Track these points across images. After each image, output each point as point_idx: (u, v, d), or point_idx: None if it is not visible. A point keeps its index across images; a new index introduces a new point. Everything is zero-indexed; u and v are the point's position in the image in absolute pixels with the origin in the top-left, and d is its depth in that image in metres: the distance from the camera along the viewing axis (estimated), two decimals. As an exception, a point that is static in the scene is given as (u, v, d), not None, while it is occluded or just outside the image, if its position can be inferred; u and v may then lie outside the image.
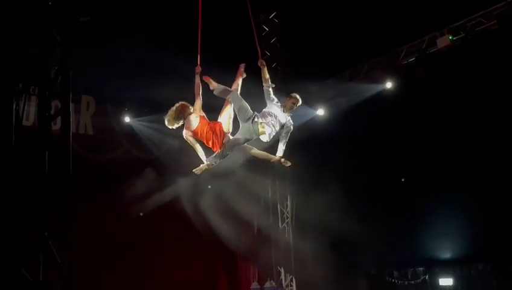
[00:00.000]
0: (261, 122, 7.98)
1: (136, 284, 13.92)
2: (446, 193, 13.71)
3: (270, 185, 16.38)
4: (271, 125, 8.11)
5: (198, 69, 8.21)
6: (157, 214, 14.26)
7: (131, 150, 14.58)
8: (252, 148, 8.29)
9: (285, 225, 16.32)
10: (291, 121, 8.34)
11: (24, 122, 7.53)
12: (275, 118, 8.15)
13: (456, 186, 13.47)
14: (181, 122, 8.11)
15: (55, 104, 7.68)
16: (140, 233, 14.23)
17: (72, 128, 7.92)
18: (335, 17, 14.02)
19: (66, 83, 7.36)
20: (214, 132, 7.96)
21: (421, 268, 14.97)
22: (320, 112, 15.66)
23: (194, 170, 8.16)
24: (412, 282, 14.99)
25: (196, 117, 8.08)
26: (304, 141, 14.68)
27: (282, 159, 8.29)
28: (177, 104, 8.12)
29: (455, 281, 14.36)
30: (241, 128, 8.00)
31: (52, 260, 6.96)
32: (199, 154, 8.11)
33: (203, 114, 8.20)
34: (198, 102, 8.18)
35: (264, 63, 8.47)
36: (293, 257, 16.01)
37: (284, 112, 8.27)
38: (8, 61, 6.71)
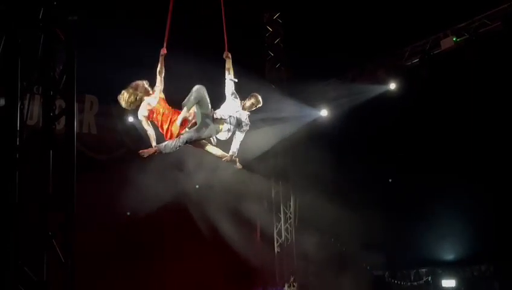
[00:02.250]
0: (221, 118, 7.91)
1: (138, 285, 13.92)
2: (449, 194, 13.72)
3: (273, 185, 16.38)
4: (229, 123, 8.00)
5: (164, 51, 8.07)
6: (159, 214, 14.26)
7: (135, 150, 14.55)
8: (206, 144, 8.13)
9: (288, 225, 16.33)
10: (248, 120, 8.19)
11: (28, 122, 7.55)
12: (234, 115, 8.06)
13: (458, 187, 13.48)
14: (138, 103, 7.92)
15: (59, 103, 7.68)
16: (143, 234, 14.23)
17: (76, 128, 7.91)
18: (339, 18, 14.03)
19: (70, 82, 7.36)
20: (171, 119, 7.84)
21: (424, 269, 14.97)
22: (324, 112, 15.65)
23: (140, 152, 8.10)
24: (415, 283, 14.99)
25: (155, 98, 7.93)
26: (307, 141, 14.73)
27: (236, 159, 8.19)
28: (135, 83, 7.97)
29: (458, 282, 14.36)
30: (200, 123, 7.85)
31: (56, 260, 6.97)
32: (150, 137, 8.00)
33: (163, 96, 8.06)
34: (160, 85, 8.02)
35: (229, 56, 8.33)
36: (295, 257, 16.01)
37: (242, 109, 8.16)
38: (12, 61, 6.72)
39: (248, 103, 8.20)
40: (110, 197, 13.75)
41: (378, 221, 14.06)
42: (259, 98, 8.27)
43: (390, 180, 14.95)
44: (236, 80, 8.29)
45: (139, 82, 7.96)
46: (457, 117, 13.50)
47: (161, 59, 8.09)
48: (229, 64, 8.30)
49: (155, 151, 8.00)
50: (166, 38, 8.13)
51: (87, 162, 12.50)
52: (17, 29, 6.85)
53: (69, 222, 7.25)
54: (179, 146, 7.93)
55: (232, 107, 8.11)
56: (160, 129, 7.98)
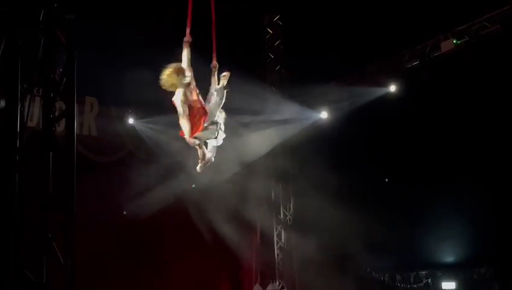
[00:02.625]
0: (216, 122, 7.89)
1: (138, 286, 13.92)
2: (449, 196, 13.69)
3: (273, 187, 16.39)
4: (218, 128, 7.97)
5: (188, 37, 7.64)
6: (160, 216, 14.26)
7: (135, 152, 14.59)
8: (202, 145, 8.02)
9: (288, 228, 16.33)
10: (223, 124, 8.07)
11: (28, 123, 7.55)
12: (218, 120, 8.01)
13: (458, 189, 13.45)
14: (173, 88, 7.49)
15: (59, 105, 7.67)
16: (143, 235, 14.25)
17: (76, 130, 7.91)
18: (339, 20, 14.03)
19: (70, 84, 7.36)
20: (200, 116, 7.59)
21: (424, 272, 14.92)
22: (324, 114, 15.67)
23: (197, 168, 8.07)
24: (415, 286, 14.95)
25: (194, 90, 7.58)
26: (307, 143, 14.72)
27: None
28: (180, 65, 7.54)
29: (458, 285, 14.32)
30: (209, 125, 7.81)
31: (55, 262, 6.97)
32: (186, 128, 7.50)
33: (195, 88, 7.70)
34: (188, 69, 7.58)
35: (217, 66, 8.11)
36: (295, 259, 16.01)
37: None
38: (12, 62, 6.72)
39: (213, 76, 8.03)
40: (110, 198, 13.78)
41: (378, 223, 14.05)
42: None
43: (386, 179, 14.94)
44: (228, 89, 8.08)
45: (183, 67, 7.53)
46: (457, 119, 13.48)
47: (186, 46, 7.67)
48: (215, 74, 8.08)
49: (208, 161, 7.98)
50: (189, 23, 7.68)
51: (87, 164, 12.51)
52: (17, 31, 6.85)
53: (69, 223, 7.25)
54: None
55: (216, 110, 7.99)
56: (186, 119, 7.54)
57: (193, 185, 14.38)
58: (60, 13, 7.25)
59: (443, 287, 14.50)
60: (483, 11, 12.61)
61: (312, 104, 15.38)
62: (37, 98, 7.96)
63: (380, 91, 14.61)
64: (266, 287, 15.81)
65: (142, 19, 12.86)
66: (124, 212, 14.11)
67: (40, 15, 7.15)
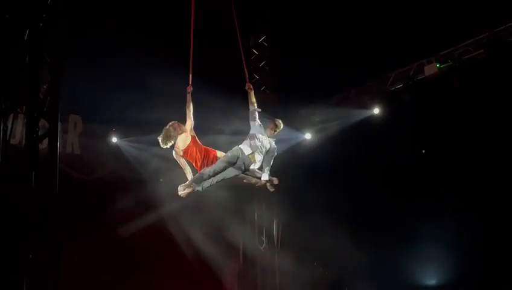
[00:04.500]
0: (251, 153, 8.10)
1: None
2: (430, 218, 13.76)
3: (256, 208, 16.34)
4: (259, 152, 8.17)
5: (190, 88, 8.24)
6: (142, 235, 14.18)
7: (118, 170, 14.54)
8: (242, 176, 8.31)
9: (271, 249, 16.27)
10: (274, 144, 8.44)
11: (11, 141, 7.51)
12: (261, 143, 8.24)
13: (440, 212, 13.53)
14: (173, 142, 8.16)
15: (42, 123, 7.65)
16: (126, 254, 14.15)
17: (59, 147, 7.89)
18: (325, 43, 14.13)
19: (54, 104, 7.35)
20: (206, 156, 8.02)
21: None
22: (308, 136, 15.70)
23: (179, 193, 8.15)
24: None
25: (187, 137, 8.13)
26: (291, 164, 14.71)
27: (268, 184, 8.33)
28: (170, 123, 8.19)
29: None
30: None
31: (37, 282, 6.90)
32: (187, 176, 8.14)
33: (194, 134, 8.25)
34: (189, 122, 8.23)
35: (252, 87, 8.55)
36: (278, 280, 15.94)
37: (268, 136, 8.37)
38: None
39: (270, 130, 8.43)
40: (93, 217, 13.68)
41: (361, 244, 14.07)
42: (277, 121, 8.49)
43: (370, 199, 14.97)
44: (260, 110, 8.45)
45: (177, 123, 8.19)
46: (440, 141, 13.62)
47: (188, 96, 8.23)
48: (251, 95, 8.51)
49: (192, 190, 8.05)
50: (191, 75, 8.25)
51: (69, 182, 12.44)
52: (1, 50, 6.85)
53: (51, 244, 7.19)
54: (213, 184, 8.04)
55: (258, 135, 8.29)
56: (194, 166, 8.13)
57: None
58: (46, 33, 7.26)
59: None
60: (467, 36, 12.74)
61: (296, 125, 15.40)
62: (20, 115, 7.92)
63: (364, 113, 14.69)
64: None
65: (128, 39, 12.86)
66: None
67: (25, 35, 7.15)
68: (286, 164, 15.32)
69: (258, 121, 8.41)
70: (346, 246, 13.79)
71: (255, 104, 8.46)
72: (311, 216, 14.24)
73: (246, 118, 8.60)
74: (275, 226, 16.34)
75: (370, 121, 14.58)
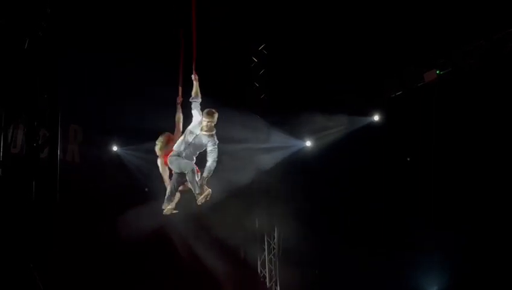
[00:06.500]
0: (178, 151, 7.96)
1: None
2: (431, 224, 13.75)
3: (257, 216, 16.33)
4: (191, 150, 7.95)
5: (180, 99, 8.22)
6: (143, 243, 14.16)
7: (119, 179, 14.54)
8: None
9: (272, 257, 16.27)
10: (212, 142, 7.94)
11: (11, 150, 7.53)
12: (192, 142, 7.95)
13: (440, 218, 13.54)
14: (164, 151, 8.24)
15: (43, 132, 7.67)
16: (127, 263, 14.13)
17: (59, 156, 7.91)
18: (324, 50, 14.15)
19: (54, 114, 7.38)
20: None
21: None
22: (308, 143, 15.72)
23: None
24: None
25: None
26: (292, 172, 14.74)
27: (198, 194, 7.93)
28: (164, 134, 8.28)
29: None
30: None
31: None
32: (165, 183, 8.18)
33: None
34: (178, 134, 8.25)
35: (197, 78, 8.12)
36: (279, 288, 15.93)
37: (201, 131, 7.91)
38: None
39: (204, 124, 7.87)
40: (93, 225, 13.68)
41: (361, 251, 14.06)
42: (209, 112, 7.92)
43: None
44: (200, 100, 8.15)
45: (170, 135, 8.28)
46: (439, 148, 13.62)
47: (178, 107, 8.26)
48: (196, 86, 8.14)
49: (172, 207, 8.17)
50: (180, 85, 8.20)
51: (69, 191, 12.44)
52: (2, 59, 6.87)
53: (51, 251, 7.21)
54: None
55: (195, 131, 7.99)
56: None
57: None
58: (45, 43, 7.29)
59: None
60: (466, 43, 12.77)
61: (296, 132, 15.42)
62: (21, 125, 7.94)
63: (364, 120, 14.71)
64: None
65: (128, 50, 12.90)
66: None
67: (25, 44, 7.18)
68: (287, 172, 15.40)
69: (198, 114, 7.94)
70: (347, 253, 13.77)
71: (199, 95, 8.01)
72: (312, 224, 14.22)
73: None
74: (276, 234, 16.34)
75: (370, 127, 14.59)
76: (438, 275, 14.20)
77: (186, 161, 7.87)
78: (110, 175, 14.44)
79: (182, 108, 8.27)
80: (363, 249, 13.95)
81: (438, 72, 13.27)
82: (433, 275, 14.27)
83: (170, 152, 8.02)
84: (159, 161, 8.26)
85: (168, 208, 8.07)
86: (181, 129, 8.24)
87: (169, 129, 8.47)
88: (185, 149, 7.89)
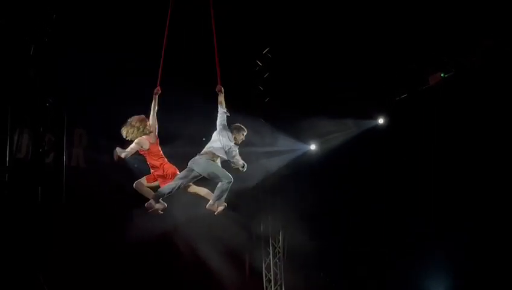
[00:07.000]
0: (213, 154, 8.14)
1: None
2: (438, 226, 13.73)
3: (262, 219, 16.34)
4: (221, 157, 8.19)
5: (158, 90, 8.19)
6: (149, 247, 14.17)
7: (124, 183, 14.53)
8: (189, 185, 8.30)
9: (277, 260, 16.26)
10: (236, 152, 8.38)
11: (17, 155, 7.54)
12: (223, 148, 8.23)
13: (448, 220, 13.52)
14: (134, 135, 8.10)
15: (48, 137, 7.68)
16: (132, 266, 14.14)
17: (65, 161, 7.92)
18: (328, 53, 14.16)
19: (60, 119, 7.40)
20: (163, 167, 8.03)
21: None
22: (313, 146, 15.73)
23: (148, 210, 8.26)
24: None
25: (148, 142, 8.16)
26: (296, 175, 14.74)
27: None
28: (142, 116, 8.13)
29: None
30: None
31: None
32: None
33: (156, 141, 8.26)
34: (154, 124, 8.20)
35: (222, 89, 8.40)
36: (284, 292, 15.96)
37: (235, 143, 8.35)
38: (3, 97, 6.75)
39: (236, 135, 8.37)
40: (99, 230, 13.68)
41: (368, 256, 14.05)
42: (240, 126, 8.49)
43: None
44: (229, 114, 8.33)
45: (144, 117, 8.09)
46: (444, 153, 13.61)
47: (155, 97, 8.17)
48: (221, 97, 8.34)
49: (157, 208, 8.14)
50: (159, 77, 8.17)
51: (75, 195, 12.46)
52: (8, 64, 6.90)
53: (56, 256, 7.22)
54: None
55: (223, 140, 8.23)
56: (151, 170, 8.09)
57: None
58: (51, 49, 7.31)
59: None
60: (471, 45, 12.75)
61: (301, 136, 15.43)
62: (26, 130, 7.96)
63: (368, 123, 14.72)
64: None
65: (130, 52, 12.91)
66: None
67: (31, 50, 7.20)
68: (291, 175, 15.40)
69: (224, 124, 8.33)
70: (352, 257, 13.76)
71: (224, 106, 8.36)
72: (316, 227, 14.22)
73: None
74: (281, 237, 16.34)
75: (375, 130, 14.59)
76: (443, 276, 14.17)
77: (225, 171, 8.21)
78: (115, 179, 14.43)
79: (158, 99, 8.22)
80: (369, 252, 13.95)
81: (442, 74, 13.25)
82: (438, 276, 14.25)
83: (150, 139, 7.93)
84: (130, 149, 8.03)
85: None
86: (156, 122, 8.20)
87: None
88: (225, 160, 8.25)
